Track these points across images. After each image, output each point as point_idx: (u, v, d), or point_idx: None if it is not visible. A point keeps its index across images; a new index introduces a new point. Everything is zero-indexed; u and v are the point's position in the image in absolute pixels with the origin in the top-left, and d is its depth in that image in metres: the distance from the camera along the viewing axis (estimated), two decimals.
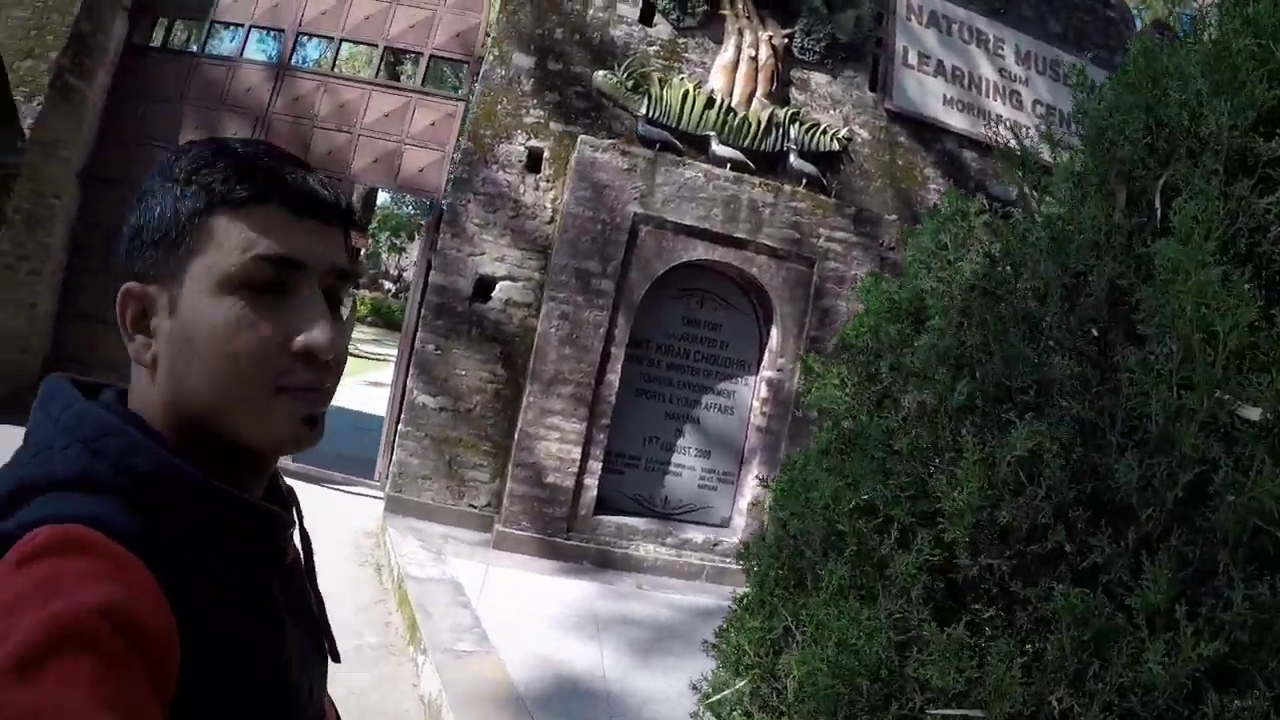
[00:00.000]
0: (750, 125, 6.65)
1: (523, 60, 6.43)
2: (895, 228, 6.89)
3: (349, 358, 0.89)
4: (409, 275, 15.06)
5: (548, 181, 6.32)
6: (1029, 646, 1.51)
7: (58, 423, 0.68)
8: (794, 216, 6.39)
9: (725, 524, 6.53)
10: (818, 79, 7.08)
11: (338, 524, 5.83)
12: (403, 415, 6.17)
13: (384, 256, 31.28)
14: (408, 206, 27.90)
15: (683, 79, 6.64)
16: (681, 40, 6.76)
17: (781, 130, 6.76)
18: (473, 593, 5.02)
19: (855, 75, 7.22)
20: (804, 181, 6.65)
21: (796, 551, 2.57)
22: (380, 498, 6.33)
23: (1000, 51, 8.05)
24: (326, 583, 0.94)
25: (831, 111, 7.07)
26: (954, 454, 1.96)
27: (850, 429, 2.77)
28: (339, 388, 0.79)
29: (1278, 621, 1.25)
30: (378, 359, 16.29)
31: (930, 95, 7.60)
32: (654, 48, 6.69)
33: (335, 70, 7.54)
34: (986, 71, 8.01)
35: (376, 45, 7.20)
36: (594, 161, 6.08)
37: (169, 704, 0.58)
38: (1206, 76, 1.55)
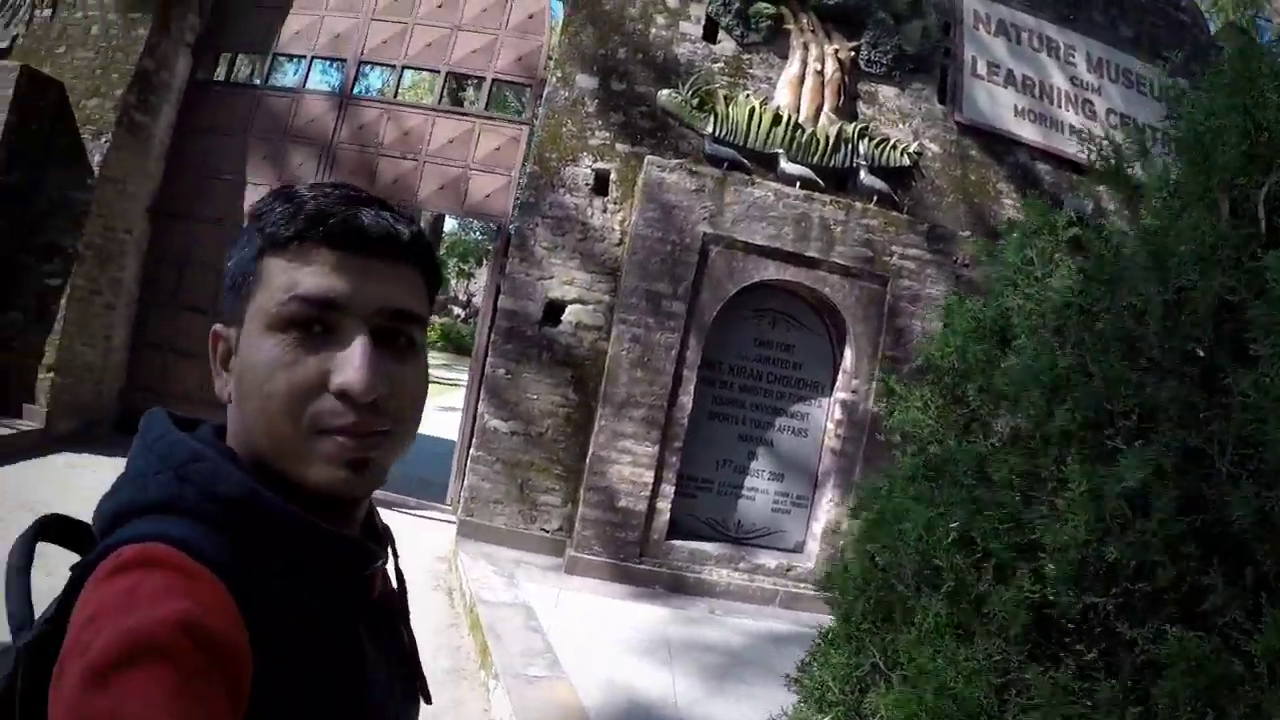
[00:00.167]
0: (818, 141, 6.51)
1: (586, 81, 6.38)
2: (969, 244, 6.70)
3: None
4: (478, 300, 15.22)
5: (615, 203, 6.24)
6: (1136, 693, 1.36)
7: (152, 451, 0.72)
8: (866, 234, 6.22)
9: (799, 549, 6.34)
10: (885, 92, 6.92)
11: (410, 548, 5.73)
12: (474, 440, 6.11)
13: (452, 282, 31.77)
14: (474, 232, 28.22)
15: (748, 96, 6.53)
16: (746, 56, 6.67)
17: (850, 146, 6.61)
18: (544, 617, 4.93)
19: (923, 87, 7.05)
20: (875, 198, 6.48)
21: (886, 585, 2.40)
22: (452, 522, 6.27)
23: (1071, 59, 7.81)
24: None
25: (900, 125, 6.90)
26: (1056, 484, 1.81)
27: (938, 455, 2.60)
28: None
29: None
30: (449, 384, 16.37)
31: (1001, 106, 7.39)
32: (718, 65, 6.60)
33: (398, 98, 7.56)
34: (1057, 80, 7.77)
35: (439, 71, 7.20)
36: (662, 182, 5.98)
37: (243, 715, 0.59)
38: None
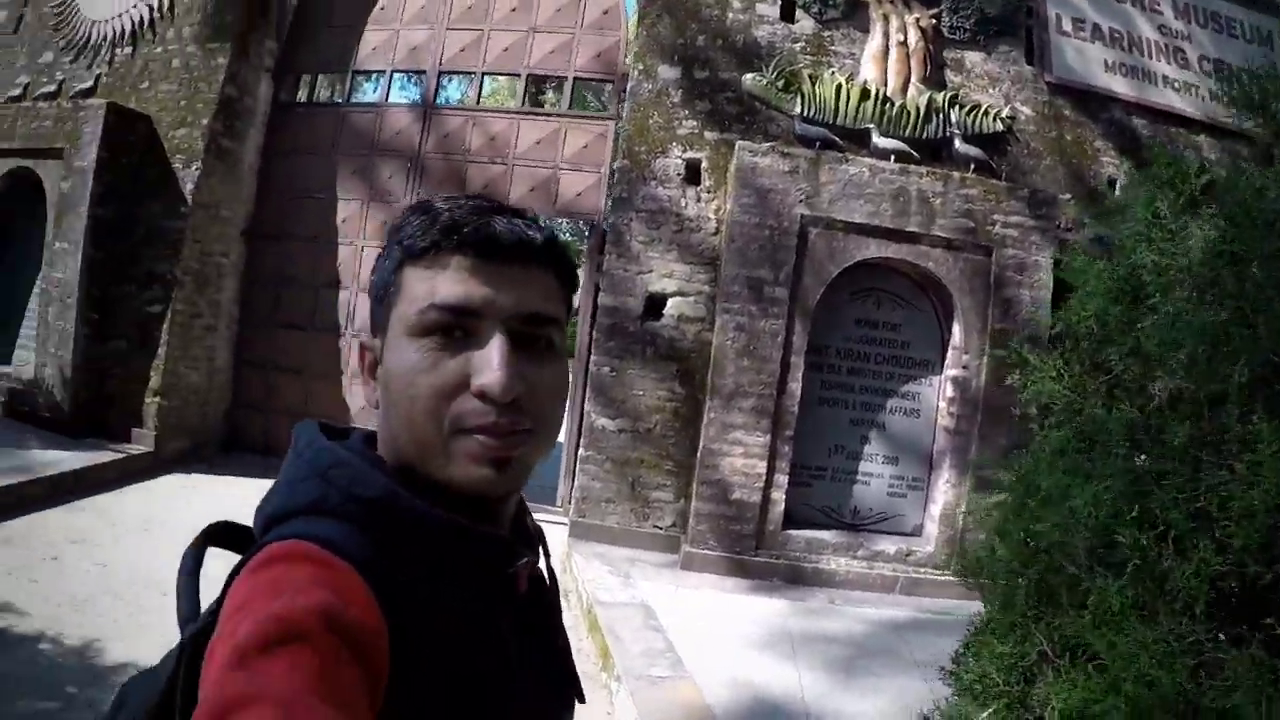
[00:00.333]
0: (909, 113, 6.34)
1: (668, 72, 6.29)
2: (1070, 207, 6.48)
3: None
4: (576, 299, 15.35)
5: (708, 192, 6.14)
6: None
7: (301, 459, 0.76)
8: (966, 204, 6.02)
9: (917, 533, 6.17)
10: (972, 58, 6.71)
11: None
12: (582, 439, 6.08)
13: None
14: (564, 233, 28.59)
15: (833, 73, 6.39)
16: (826, 33, 6.51)
17: (942, 115, 6.43)
18: (663, 616, 4.87)
19: (1010, 49, 6.81)
20: (972, 167, 6.29)
21: (1051, 566, 2.26)
22: (564, 523, 6.24)
23: (1157, 7, 7.47)
24: None
25: (990, 90, 6.68)
26: (1239, 444, 1.66)
27: (1086, 425, 2.44)
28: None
29: None
30: None
31: (1091, 62, 7.11)
32: (799, 44, 6.46)
33: (480, 104, 7.57)
34: (1145, 30, 7.44)
35: (519, 75, 7.18)
36: (755, 167, 5.87)
37: (377, 710, 0.61)
38: None
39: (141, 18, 7.69)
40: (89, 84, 7.75)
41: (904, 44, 6.48)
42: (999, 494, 4.48)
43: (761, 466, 5.77)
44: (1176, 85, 7.33)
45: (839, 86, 6.31)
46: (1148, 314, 2.33)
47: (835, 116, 6.26)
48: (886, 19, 6.51)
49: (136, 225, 7.17)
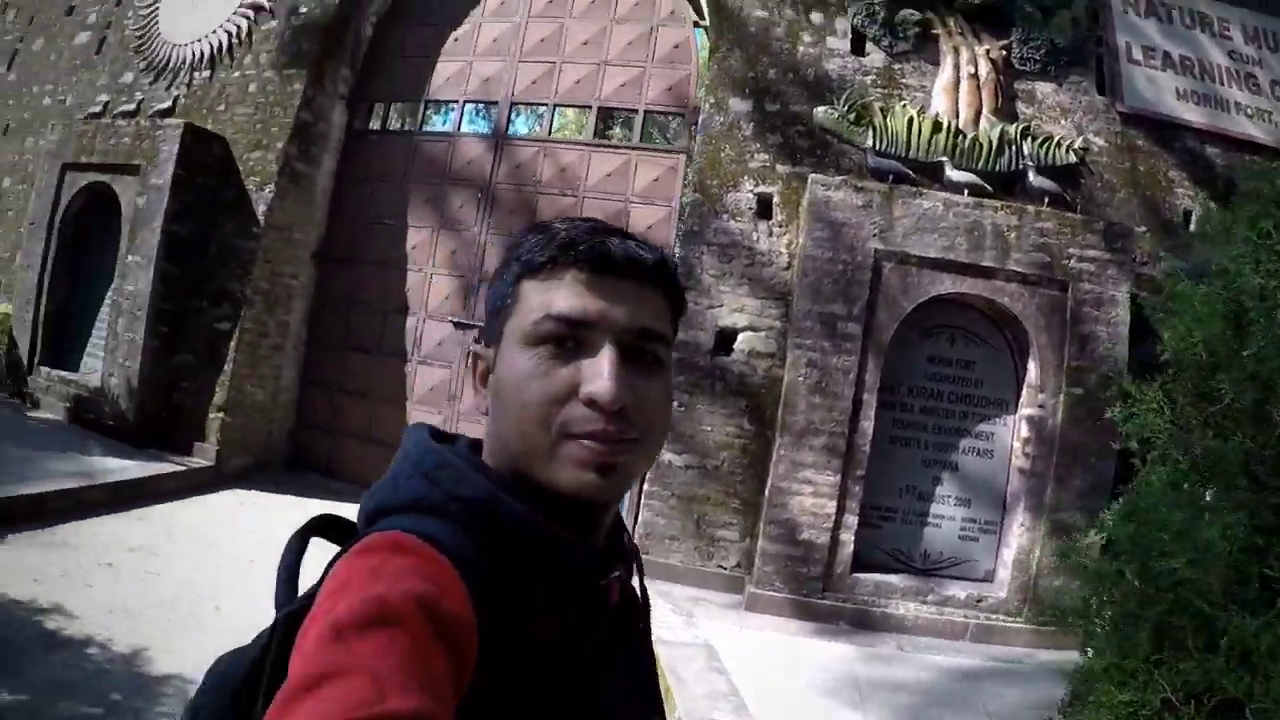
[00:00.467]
0: (981, 146, 6.26)
1: (740, 105, 6.28)
2: (1145, 240, 6.36)
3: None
4: None
5: (780, 226, 6.11)
6: None
7: (408, 458, 0.80)
8: (1041, 238, 5.92)
9: (989, 578, 6.02)
10: (1043, 89, 6.62)
11: None
12: (648, 475, 6.03)
13: None
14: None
15: (904, 106, 6.33)
16: (897, 66, 6.46)
17: (1014, 148, 6.34)
18: (726, 657, 4.78)
19: (1081, 79, 6.71)
20: (1046, 200, 6.19)
21: (1176, 607, 2.17)
22: None
23: (1226, 32, 7.32)
24: None
25: (1062, 121, 6.58)
26: None
27: (1201, 457, 2.36)
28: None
29: None
30: None
31: (1163, 91, 6.98)
32: (869, 77, 6.42)
33: (551, 136, 7.62)
34: (1216, 57, 7.29)
35: (590, 107, 7.21)
36: (828, 200, 5.83)
37: (460, 698, 0.63)
38: None
39: (221, 43, 7.87)
40: (167, 104, 7.93)
41: (974, 76, 6.40)
42: (1091, 534, 4.39)
43: (831, 506, 5.69)
44: (1249, 112, 7.18)
45: (910, 119, 6.25)
46: (1254, 339, 2.26)
47: (907, 149, 6.21)
48: (957, 51, 6.45)
49: (209, 244, 7.30)
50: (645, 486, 6.03)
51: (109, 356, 7.30)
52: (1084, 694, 2.63)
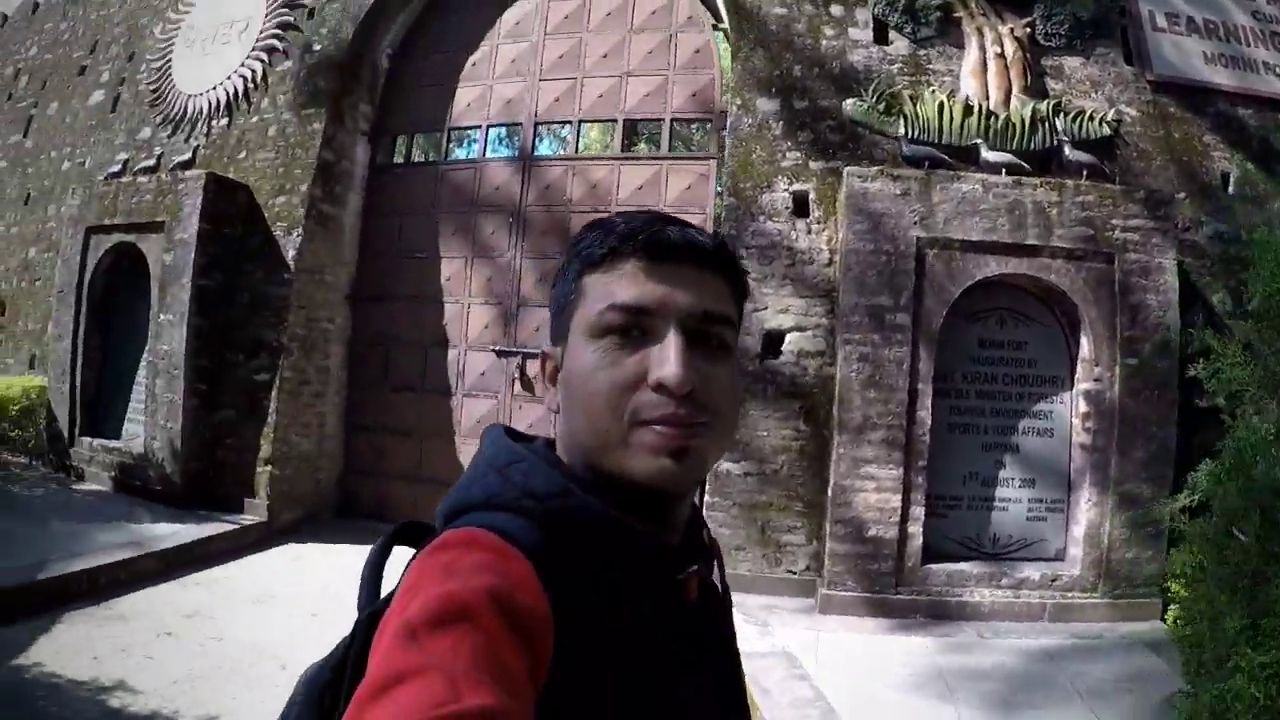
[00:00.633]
0: (1014, 125, 6.19)
1: (767, 104, 6.23)
2: (1185, 206, 6.26)
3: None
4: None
5: (819, 223, 6.04)
6: None
7: (483, 456, 0.81)
8: (1083, 212, 5.83)
9: (1060, 556, 5.92)
10: (1071, 63, 6.54)
11: None
12: (707, 486, 5.94)
13: None
14: None
15: (933, 91, 6.27)
16: (922, 52, 6.41)
17: (1047, 124, 6.26)
18: (807, 663, 4.71)
19: (1108, 51, 6.62)
20: (1084, 173, 6.10)
21: None
22: None
23: None
24: None
25: (1093, 95, 6.50)
26: None
27: None
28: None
29: None
30: None
31: (1190, 56, 6.89)
32: (895, 66, 6.36)
33: (579, 153, 7.58)
34: (1240, 18, 7.21)
35: (616, 120, 7.15)
36: (865, 192, 5.76)
37: (537, 693, 0.63)
38: None
39: (236, 89, 7.86)
40: (187, 156, 7.91)
41: (1001, 56, 6.34)
42: (1180, 498, 4.26)
43: (896, 500, 5.60)
44: (1278, 71, 7.10)
45: (941, 104, 6.19)
46: None
47: (940, 135, 6.14)
48: (980, 33, 6.39)
49: (241, 294, 7.26)
50: (706, 499, 5.95)
51: (149, 419, 7.23)
52: (1205, 660, 2.52)
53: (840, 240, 5.89)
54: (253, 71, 7.82)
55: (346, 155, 7.61)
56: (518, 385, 7.08)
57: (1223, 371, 2.90)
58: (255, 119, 7.71)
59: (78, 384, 7.88)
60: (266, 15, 7.88)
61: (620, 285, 0.79)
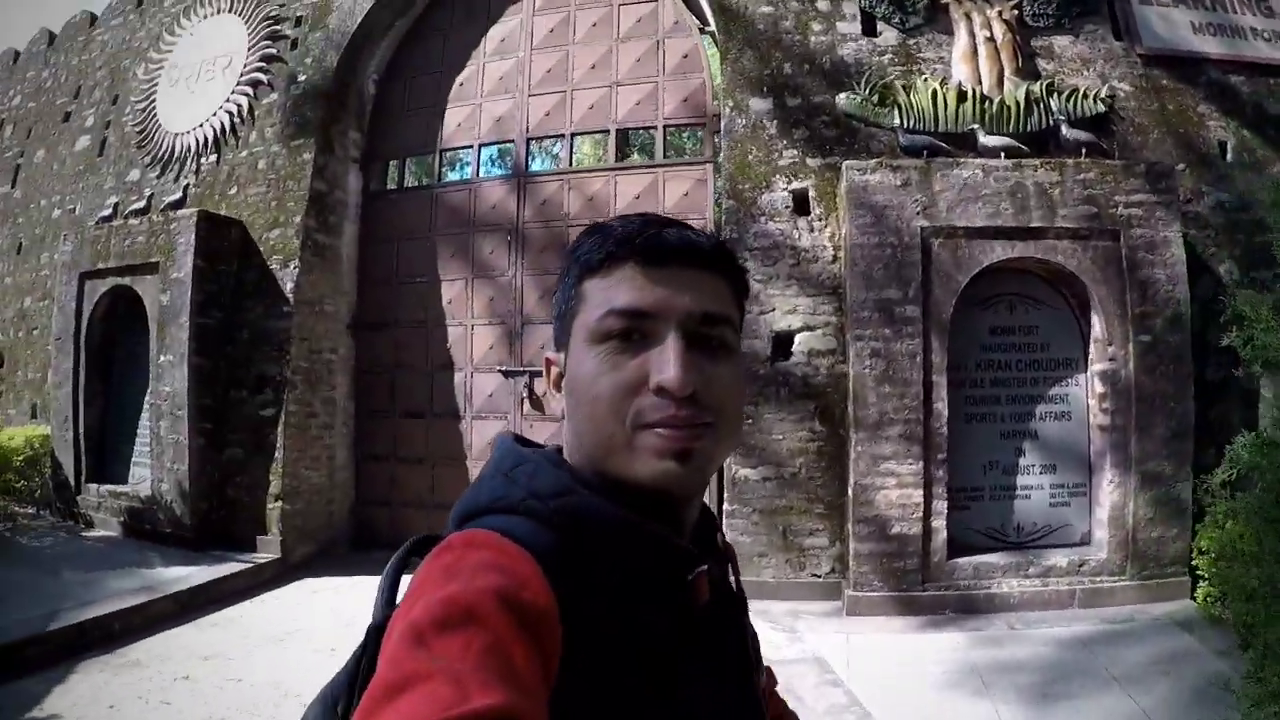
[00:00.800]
0: (1009, 108, 6.16)
1: (760, 104, 6.18)
2: (1186, 177, 6.21)
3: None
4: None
5: (820, 219, 5.98)
6: None
7: (491, 462, 0.83)
8: (1085, 190, 5.77)
9: (1086, 540, 5.85)
10: (1060, 42, 6.50)
11: None
12: (725, 494, 5.88)
13: None
14: None
15: (926, 80, 6.23)
16: (911, 41, 6.36)
17: (1042, 105, 6.22)
18: (838, 667, 4.65)
19: (1096, 28, 6.59)
20: (1083, 151, 6.05)
21: None
22: None
23: None
24: None
25: (1085, 72, 6.45)
26: None
27: None
28: None
29: None
30: None
31: (1178, 27, 6.85)
32: (885, 57, 6.31)
33: (573, 166, 7.52)
34: None
35: (608, 131, 7.08)
36: (865, 185, 5.70)
37: (551, 688, 0.63)
38: None
39: (223, 124, 7.81)
40: (178, 195, 7.86)
41: (991, 39, 6.30)
42: (1219, 474, 4.17)
43: (918, 495, 5.53)
44: (1266, 36, 7.06)
45: (934, 92, 6.15)
46: None
47: (936, 123, 6.10)
48: (968, 17, 6.36)
49: (240, 330, 7.19)
50: (725, 506, 5.88)
51: (155, 462, 7.14)
52: (1272, 642, 2.45)
53: (843, 235, 5.83)
54: (239, 106, 7.76)
55: (339, 184, 7.54)
56: (526, 405, 7.01)
57: (1256, 339, 2.82)
58: (244, 153, 7.65)
59: (81, 430, 7.80)
60: (249, 49, 7.83)
61: (619, 290, 0.79)
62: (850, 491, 5.58)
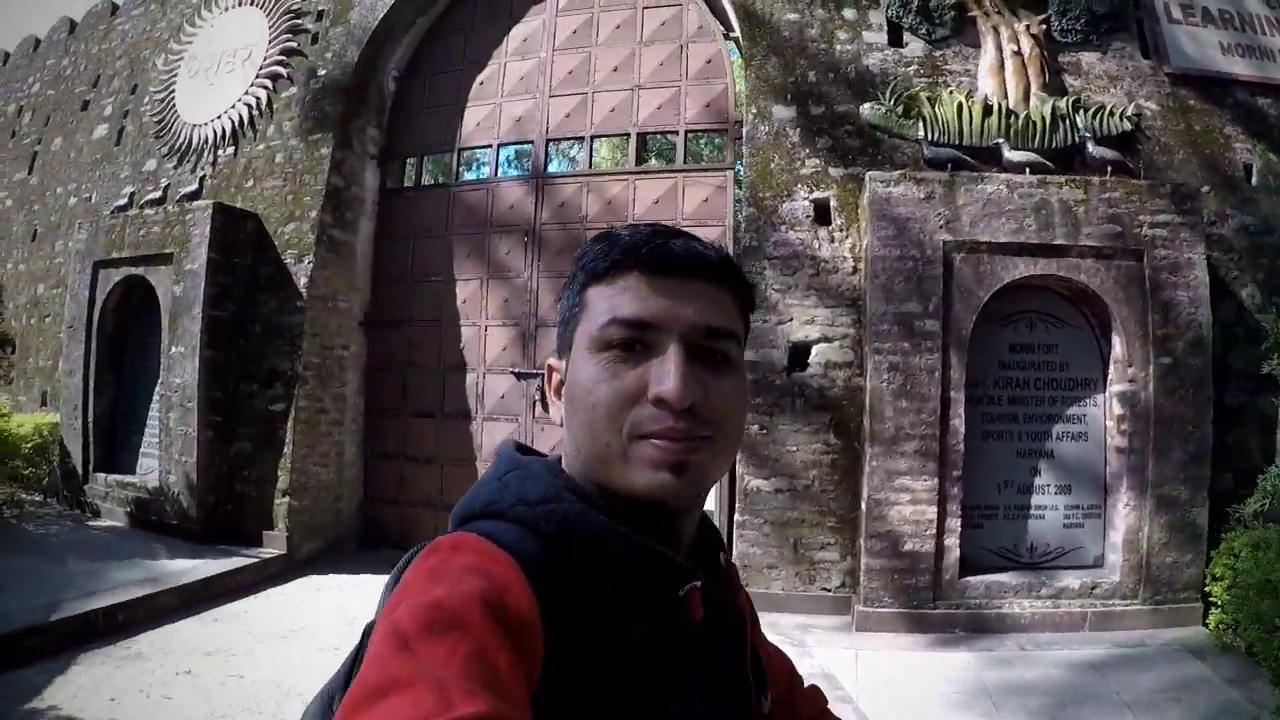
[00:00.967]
0: (1035, 124, 6.09)
1: (783, 112, 6.13)
2: (1211, 199, 6.15)
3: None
4: None
5: (841, 230, 5.93)
6: None
7: (491, 468, 0.85)
8: (1109, 209, 5.71)
9: (1099, 563, 5.78)
10: (1088, 59, 6.44)
11: None
12: (737, 504, 5.82)
13: None
14: None
15: (951, 92, 6.17)
16: (937, 53, 6.31)
17: (1068, 121, 6.16)
18: (848, 684, 4.59)
19: (1124, 45, 6.53)
20: (1108, 169, 5.99)
21: None
22: None
23: None
24: None
25: (1112, 90, 6.39)
26: None
27: None
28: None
29: None
30: None
31: (1207, 47, 6.79)
32: (911, 68, 6.26)
33: (592, 168, 7.47)
34: (1254, 7, 7.12)
35: (629, 134, 7.03)
36: (888, 197, 5.64)
37: (533, 693, 0.63)
38: None
39: (241, 117, 7.79)
40: (194, 187, 7.83)
41: (1018, 54, 6.25)
42: (1252, 503, 4.10)
43: (931, 512, 5.47)
44: None
45: (960, 105, 6.09)
46: None
47: (961, 136, 6.04)
48: (996, 31, 6.30)
49: (253, 324, 7.16)
50: (736, 516, 5.82)
51: (164, 454, 7.12)
52: None
53: (865, 247, 5.77)
54: (257, 99, 7.75)
55: (356, 180, 7.51)
56: (538, 408, 6.97)
57: None
58: (262, 147, 7.63)
59: (90, 419, 7.78)
60: (270, 42, 7.81)
61: (623, 299, 0.79)
62: (863, 506, 5.52)
